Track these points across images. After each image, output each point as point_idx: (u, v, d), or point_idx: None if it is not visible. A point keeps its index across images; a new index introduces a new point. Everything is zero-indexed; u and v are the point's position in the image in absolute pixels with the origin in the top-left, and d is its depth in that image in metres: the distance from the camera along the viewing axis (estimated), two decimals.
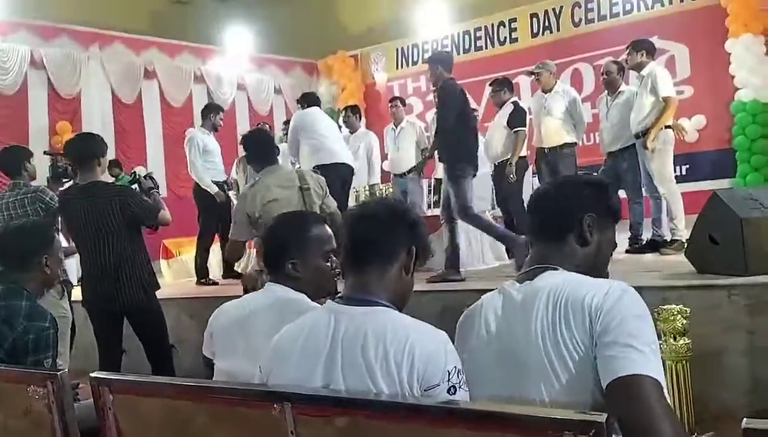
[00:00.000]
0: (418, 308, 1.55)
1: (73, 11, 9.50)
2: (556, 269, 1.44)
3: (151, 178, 3.90)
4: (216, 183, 6.02)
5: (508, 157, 5.64)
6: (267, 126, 7.08)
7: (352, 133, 6.93)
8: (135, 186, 3.83)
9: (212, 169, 6.10)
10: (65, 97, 8.98)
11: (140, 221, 3.60)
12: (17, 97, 8.55)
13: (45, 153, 4.50)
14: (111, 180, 6.20)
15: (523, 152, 5.87)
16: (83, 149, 3.61)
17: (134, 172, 4.16)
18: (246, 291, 4.55)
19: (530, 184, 5.92)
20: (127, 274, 3.50)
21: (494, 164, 5.92)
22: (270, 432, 1.28)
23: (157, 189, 3.90)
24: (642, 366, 1.22)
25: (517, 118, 5.73)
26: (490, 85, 6.19)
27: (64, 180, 4.46)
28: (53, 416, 1.71)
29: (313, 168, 4.95)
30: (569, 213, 1.50)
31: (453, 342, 1.42)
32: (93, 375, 1.59)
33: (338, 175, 5.20)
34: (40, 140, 8.27)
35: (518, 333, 1.37)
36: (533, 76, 5.89)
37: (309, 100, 5.93)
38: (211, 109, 6.45)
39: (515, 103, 5.87)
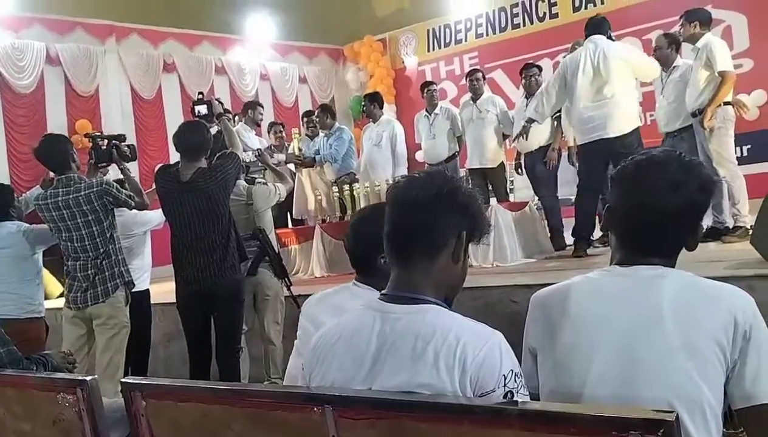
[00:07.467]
0: (456, 305, 1.49)
1: (88, 4, 9.64)
2: None
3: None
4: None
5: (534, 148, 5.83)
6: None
7: (374, 122, 6.91)
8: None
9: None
10: (83, 94, 9.13)
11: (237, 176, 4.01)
12: (34, 96, 8.72)
13: (86, 135, 4.46)
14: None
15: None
16: (195, 142, 3.77)
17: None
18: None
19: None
20: (230, 254, 3.77)
21: (523, 154, 6.10)
22: (310, 436, 1.29)
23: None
24: None
25: None
26: (521, 71, 6.23)
27: (102, 164, 4.20)
28: (83, 424, 1.75)
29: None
30: None
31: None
32: (124, 380, 1.62)
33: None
34: None
35: None
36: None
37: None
38: (249, 105, 6.83)
39: None
